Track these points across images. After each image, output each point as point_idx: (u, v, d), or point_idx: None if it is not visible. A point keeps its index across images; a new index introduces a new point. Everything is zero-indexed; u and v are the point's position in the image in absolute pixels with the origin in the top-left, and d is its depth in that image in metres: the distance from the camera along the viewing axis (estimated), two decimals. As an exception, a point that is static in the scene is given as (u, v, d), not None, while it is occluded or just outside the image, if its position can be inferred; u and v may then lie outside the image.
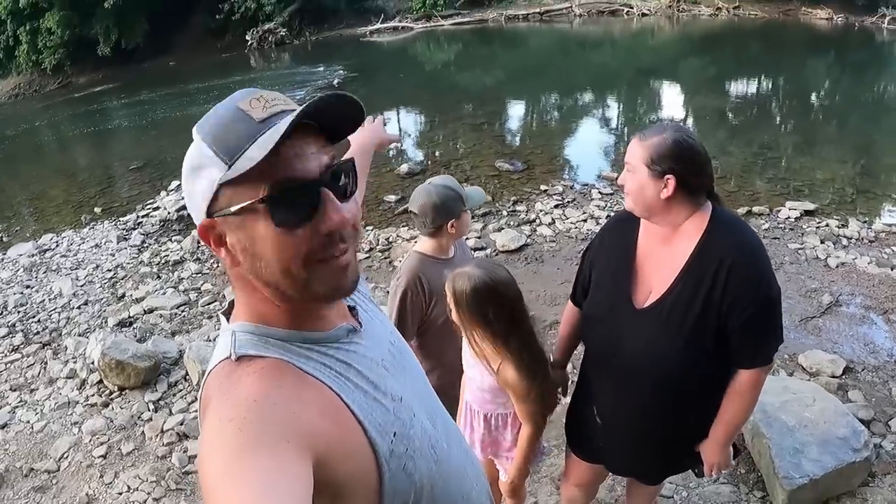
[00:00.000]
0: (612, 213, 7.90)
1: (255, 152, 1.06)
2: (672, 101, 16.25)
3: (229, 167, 1.09)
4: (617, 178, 2.39)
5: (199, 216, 1.16)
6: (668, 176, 2.15)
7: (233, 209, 1.11)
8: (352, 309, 1.40)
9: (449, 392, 3.11)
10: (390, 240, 8.27)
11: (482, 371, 2.66)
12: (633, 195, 2.24)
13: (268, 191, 1.08)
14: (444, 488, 1.39)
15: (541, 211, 8.69)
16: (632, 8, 29.43)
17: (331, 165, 1.15)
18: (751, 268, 2.16)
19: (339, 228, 1.14)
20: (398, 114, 16.99)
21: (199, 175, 1.14)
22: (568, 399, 2.93)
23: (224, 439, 1.01)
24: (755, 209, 8.08)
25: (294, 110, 1.12)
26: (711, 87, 16.87)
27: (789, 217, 7.79)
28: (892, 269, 6.41)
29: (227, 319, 1.29)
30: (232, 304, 1.31)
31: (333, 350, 1.25)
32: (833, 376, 4.72)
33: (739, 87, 16.81)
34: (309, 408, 1.12)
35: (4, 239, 11.31)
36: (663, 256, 2.28)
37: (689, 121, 14.18)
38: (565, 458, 3.05)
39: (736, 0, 27.18)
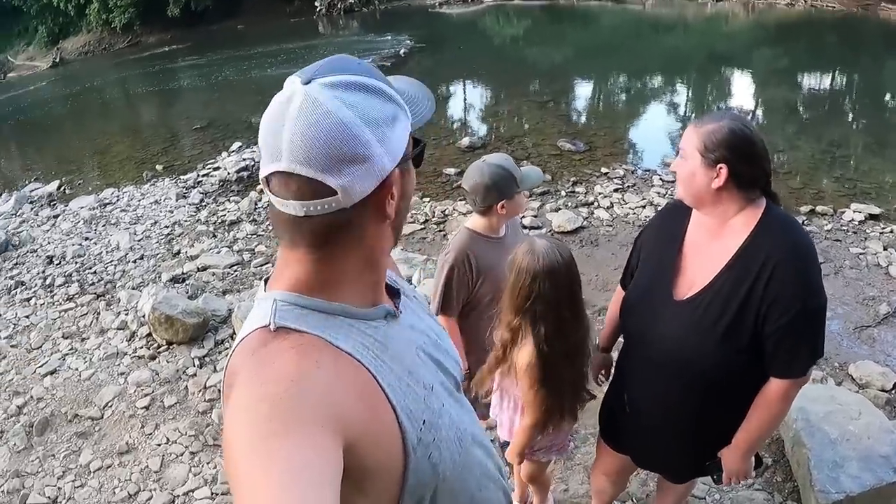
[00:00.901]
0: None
1: (427, 109, 1.25)
2: (742, 90, 15.85)
3: (414, 118, 1.20)
4: (671, 165, 2.24)
5: (391, 164, 1.14)
6: (720, 165, 2.05)
7: (407, 156, 1.18)
8: (395, 294, 1.39)
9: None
10: (446, 212, 8.22)
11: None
12: (683, 182, 2.16)
13: (414, 140, 1.22)
14: (464, 482, 1.38)
15: (600, 194, 8.55)
16: (708, -8, 28.82)
17: None
18: (797, 270, 2.03)
19: None
20: (464, 86, 16.89)
21: (396, 123, 1.14)
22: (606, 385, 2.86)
23: (256, 418, 0.98)
24: (818, 208, 7.78)
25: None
26: (783, 78, 16.41)
27: (853, 220, 7.46)
28: (957, 283, 6.11)
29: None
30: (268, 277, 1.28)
31: (372, 329, 1.22)
32: (883, 390, 4.53)
33: (812, 82, 16.34)
34: (346, 391, 1.09)
35: (68, 191, 11.57)
36: (710, 250, 2.19)
37: (759, 112, 13.82)
38: (596, 446, 2.96)
39: (815, -10, 26.47)
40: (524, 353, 2.50)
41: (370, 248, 1.20)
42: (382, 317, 1.26)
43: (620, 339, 2.76)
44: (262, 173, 1.11)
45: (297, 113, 1.06)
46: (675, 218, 2.35)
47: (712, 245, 2.18)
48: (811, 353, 2.11)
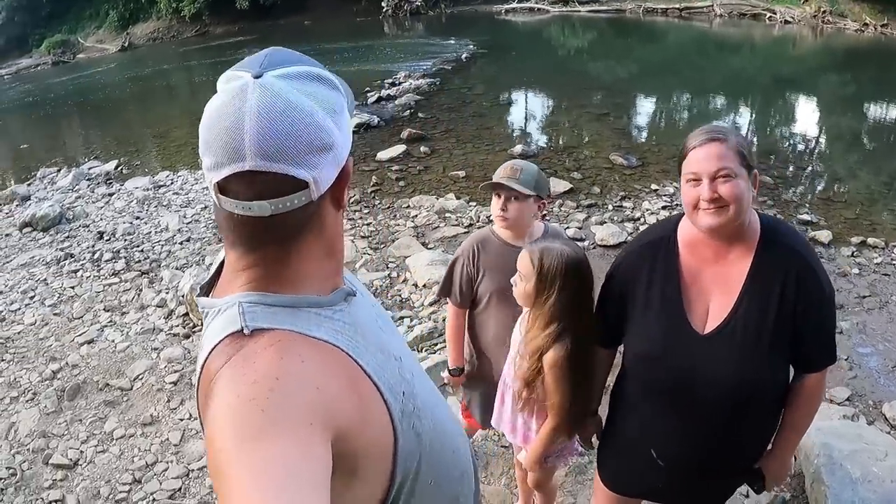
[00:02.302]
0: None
1: (350, 95, 1.22)
2: (805, 115, 15.54)
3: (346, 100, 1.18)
4: (710, 196, 1.97)
5: (348, 151, 1.17)
6: (755, 171, 2.03)
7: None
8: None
9: (487, 376, 3.12)
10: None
11: (519, 347, 2.61)
12: (738, 203, 1.97)
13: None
14: (441, 445, 1.37)
15: (647, 210, 8.43)
16: (775, 13, 28.27)
17: None
18: (816, 272, 2.05)
19: None
20: (524, 94, 16.86)
21: (344, 109, 1.16)
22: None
23: (244, 420, 0.95)
24: (870, 240, 7.54)
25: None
26: (848, 105, 16.06)
27: (904, 255, 7.29)
28: None
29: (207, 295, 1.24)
30: (211, 282, 1.27)
31: (339, 314, 1.20)
32: None
33: (878, 111, 15.94)
34: (332, 380, 1.07)
35: (124, 171, 11.82)
36: (715, 274, 2.13)
37: (821, 139, 13.57)
38: (596, 495, 2.84)
39: (885, 17, 25.92)
40: (553, 351, 2.48)
41: (330, 238, 1.20)
42: (343, 299, 1.24)
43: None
44: (215, 178, 1.06)
45: (258, 107, 1.03)
46: (657, 255, 2.24)
47: (716, 269, 2.13)
48: (835, 335, 2.16)
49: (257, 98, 1.03)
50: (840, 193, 9.47)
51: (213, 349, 1.09)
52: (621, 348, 2.48)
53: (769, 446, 2.37)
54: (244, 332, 1.06)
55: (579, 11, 31.20)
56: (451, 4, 33.78)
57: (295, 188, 1.05)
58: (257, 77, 1.05)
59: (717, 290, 2.13)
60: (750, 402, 2.14)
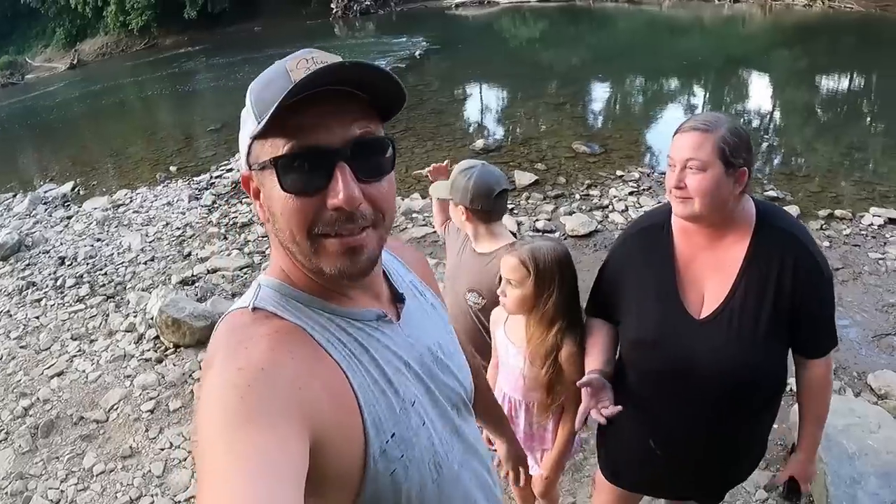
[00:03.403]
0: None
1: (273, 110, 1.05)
2: (759, 92, 15.68)
3: (258, 123, 1.07)
4: (675, 185, 2.01)
5: (242, 165, 1.17)
6: (742, 168, 1.98)
7: (256, 165, 1.11)
8: (400, 299, 1.35)
9: None
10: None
11: (527, 356, 2.55)
12: (705, 197, 1.97)
13: (282, 152, 1.06)
14: None
15: (615, 197, 8.42)
16: (724, -7, 28.66)
17: (359, 139, 1.09)
18: (814, 256, 2.04)
19: (344, 206, 1.06)
20: (480, 88, 16.85)
21: (243, 127, 1.15)
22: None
23: (225, 405, 0.96)
24: (837, 213, 7.63)
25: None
26: (801, 80, 16.25)
27: (872, 224, 7.28)
28: (977, 292, 5.97)
29: None
30: None
31: (354, 329, 1.20)
32: None
33: (831, 83, 16.16)
34: (317, 382, 1.07)
35: (82, 192, 11.63)
36: (710, 260, 2.11)
37: (776, 114, 13.71)
38: (597, 489, 2.82)
39: (833, -9, 26.25)
40: (567, 347, 2.48)
41: (277, 227, 1.14)
42: (372, 319, 1.23)
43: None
44: None
45: None
46: (651, 241, 2.22)
47: (711, 254, 2.11)
48: (834, 318, 2.16)
49: None
50: (802, 167, 9.58)
51: (224, 318, 1.17)
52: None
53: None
54: (248, 308, 1.14)
55: (529, 2, 31.32)
56: (400, 2, 33.76)
57: None
58: None
59: (712, 276, 2.11)
60: (747, 387, 2.12)
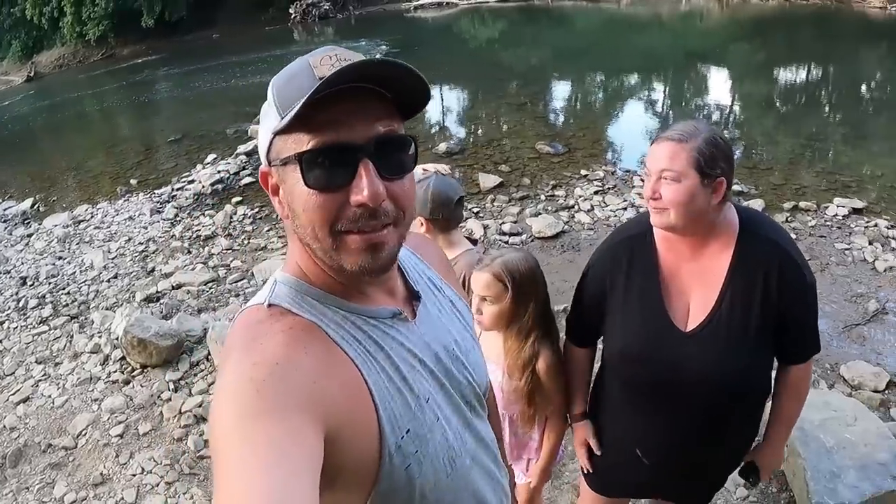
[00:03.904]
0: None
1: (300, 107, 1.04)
2: (719, 86, 15.85)
3: (281, 118, 1.07)
4: (650, 195, 2.00)
5: (262, 161, 1.17)
6: (720, 178, 1.96)
7: (278, 160, 1.11)
8: (416, 297, 1.36)
9: None
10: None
11: (505, 369, 2.53)
12: (680, 207, 1.95)
13: (306, 148, 1.06)
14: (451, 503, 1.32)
15: (580, 197, 8.45)
16: (682, -11, 28.87)
17: (382, 137, 1.09)
18: (798, 263, 2.04)
19: (368, 203, 1.06)
20: (440, 90, 16.85)
21: (264, 122, 1.14)
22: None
23: (241, 399, 0.98)
24: (801, 204, 7.73)
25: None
26: (760, 73, 16.44)
27: (837, 214, 7.40)
28: (943, 278, 6.07)
29: None
30: None
31: (369, 327, 1.21)
32: (875, 391, 4.47)
33: (789, 76, 16.38)
34: (332, 379, 1.09)
35: (41, 209, 11.41)
36: (695, 270, 2.10)
37: (736, 108, 13.85)
38: (582, 497, 2.82)
39: (788, -16, 26.55)
40: (543, 357, 2.47)
41: (297, 222, 1.14)
42: (387, 317, 1.25)
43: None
44: None
45: None
46: (634, 252, 2.20)
47: (695, 264, 2.10)
48: (817, 324, 2.19)
49: None
50: (764, 160, 9.69)
51: (240, 313, 1.18)
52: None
53: (760, 437, 2.41)
54: (264, 304, 1.15)
55: (488, 2, 31.30)
56: (358, 6, 33.61)
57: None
58: None
59: (697, 286, 2.11)
60: (736, 397, 2.13)
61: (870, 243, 6.66)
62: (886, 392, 4.48)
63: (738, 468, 2.47)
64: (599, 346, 2.47)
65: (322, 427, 1.00)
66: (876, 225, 7.10)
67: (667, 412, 2.21)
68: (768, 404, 2.33)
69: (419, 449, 1.21)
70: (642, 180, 8.61)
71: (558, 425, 2.62)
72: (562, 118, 13.51)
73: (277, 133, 1.08)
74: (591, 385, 2.58)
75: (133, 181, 11.47)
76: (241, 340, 1.10)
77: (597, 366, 2.56)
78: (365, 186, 1.05)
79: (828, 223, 7.24)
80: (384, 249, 1.13)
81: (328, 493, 1.03)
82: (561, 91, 16.16)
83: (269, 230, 8.47)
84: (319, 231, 1.10)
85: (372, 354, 1.18)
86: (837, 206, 7.54)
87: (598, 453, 2.61)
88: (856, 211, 7.46)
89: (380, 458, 1.14)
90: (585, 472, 2.66)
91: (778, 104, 13.83)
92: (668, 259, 2.14)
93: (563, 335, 2.57)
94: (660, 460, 2.33)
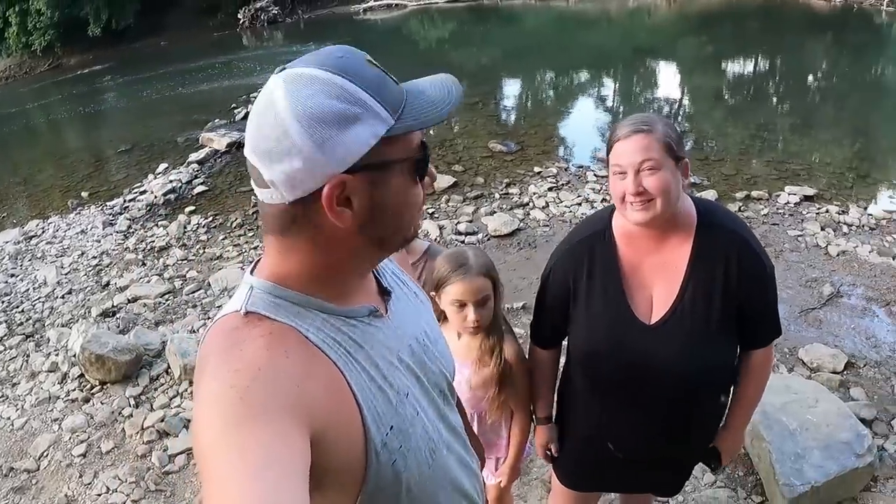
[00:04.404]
0: (608, 200, 7.78)
1: (428, 114, 1.14)
2: (668, 80, 16.04)
3: (396, 121, 1.10)
4: (636, 190, 1.97)
5: (334, 169, 1.07)
6: (685, 160, 2.04)
7: (376, 163, 1.11)
8: (387, 293, 1.39)
9: None
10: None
11: (472, 366, 2.57)
12: (665, 195, 1.97)
13: (418, 148, 1.18)
14: (433, 496, 1.35)
15: (534, 194, 8.53)
16: (630, -16, 29.06)
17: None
18: (755, 252, 2.09)
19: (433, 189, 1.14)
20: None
21: (352, 125, 1.07)
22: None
23: (224, 406, 0.98)
24: (754, 193, 7.91)
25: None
26: (708, 67, 16.69)
27: (788, 202, 7.60)
28: (893, 259, 6.24)
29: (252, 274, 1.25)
30: (259, 260, 1.27)
31: (348, 327, 1.22)
32: (834, 372, 4.61)
33: (737, 68, 16.63)
34: (314, 382, 1.09)
35: (-9, 225, 11.17)
36: (656, 263, 2.14)
37: (685, 101, 14.05)
38: (554, 493, 2.87)
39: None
40: (508, 344, 2.53)
41: (333, 251, 1.17)
42: (364, 315, 1.26)
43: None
44: None
45: (258, 101, 1.10)
46: (594, 252, 2.22)
47: (655, 258, 2.14)
48: (777, 309, 2.22)
49: (262, 92, 1.10)
50: (715, 152, 9.86)
51: (215, 323, 1.17)
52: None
53: (722, 422, 2.43)
54: (240, 312, 1.13)
55: (437, 3, 31.22)
56: (307, 10, 33.41)
57: (266, 184, 1.09)
58: (278, 73, 1.10)
59: (659, 280, 2.14)
60: (703, 385, 2.19)
61: (822, 229, 6.87)
62: (845, 373, 4.61)
63: (703, 454, 2.51)
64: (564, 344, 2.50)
65: (308, 430, 1.01)
66: (827, 211, 7.32)
67: (636, 405, 2.25)
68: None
69: (403, 444, 1.23)
70: (596, 176, 8.75)
71: (524, 421, 2.67)
72: (514, 116, 13.59)
73: (392, 135, 1.11)
74: (558, 386, 2.61)
75: (84, 194, 11.31)
76: (218, 348, 1.09)
77: (564, 366, 2.59)
78: (435, 174, 1.21)
79: (780, 211, 7.42)
80: None
81: (318, 495, 1.04)
82: (512, 89, 16.23)
83: (223, 239, 8.42)
84: (416, 215, 1.26)
85: (352, 355, 1.19)
86: (789, 195, 7.73)
87: (556, 455, 2.67)
88: (807, 198, 7.66)
89: (366, 457, 1.15)
90: (557, 468, 2.71)
91: (727, 97, 14.04)
92: (628, 254, 2.17)
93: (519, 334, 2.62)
94: (632, 452, 2.37)
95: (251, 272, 1.23)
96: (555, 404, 2.66)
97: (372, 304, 1.29)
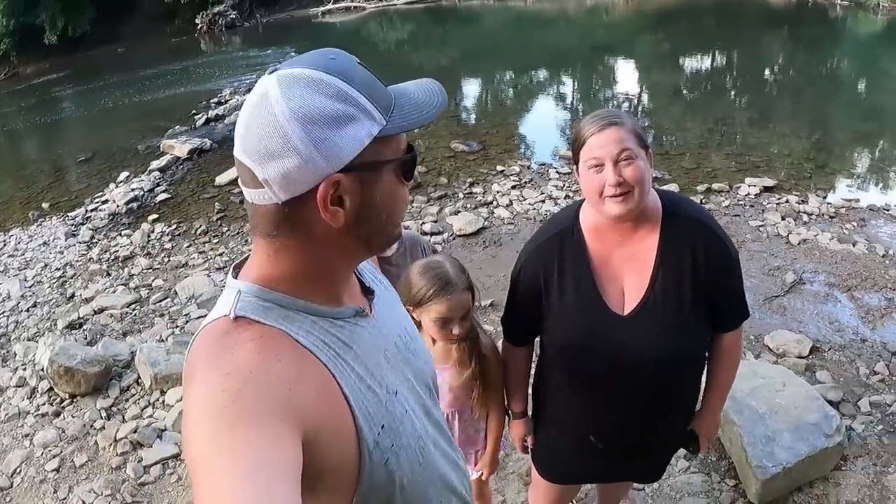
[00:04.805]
0: (571, 197, 7.86)
1: (416, 115, 1.17)
2: (627, 77, 16.25)
3: (387, 122, 1.13)
4: (616, 181, 1.98)
5: (329, 168, 1.08)
6: (650, 150, 2.09)
7: (366, 163, 1.12)
8: (370, 293, 1.40)
9: None
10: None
11: (451, 369, 2.60)
12: (643, 184, 2.01)
13: (405, 150, 1.20)
14: (424, 492, 1.36)
15: (498, 192, 8.62)
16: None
17: None
18: (721, 238, 2.14)
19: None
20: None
21: (347, 125, 1.09)
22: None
23: (215, 410, 0.97)
24: (714, 186, 8.08)
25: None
26: (666, 63, 16.91)
27: (749, 193, 7.78)
28: (853, 246, 6.43)
29: (235, 276, 1.25)
30: (241, 263, 1.27)
31: (336, 329, 1.22)
32: (800, 357, 4.74)
33: (694, 64, 16.87)
34: (305, 385, 1.09)
35: (-50, 241, 11.00)
36: (625, 255, 2.17)
37: (644, 97, 14.20)
38: (535, 486, 2.92)
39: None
40: (481, 335, 2.58)
41: (323, 251, 1.18)
42: (351, 316, 1.26)
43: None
44: None
45: (248, 102, 1.10)
46: (563, 249, 2.24)
47: (625, 250, 2.17)
48: (744, 292, 2.27)
49: (253, 93, 1.11)
50: (676, 146, 10.00)
51: (203, 329, 1.16)
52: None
53: (698, 406, 2.50)
54: (229, 316, 1.12)
55: (395, 4, 31.19)
56: (265, 13, 33.18)
57: (258, 184, 1.09)
58: (271, 74, 1.10)
59: (629, 271, 2.17)
60: (679, 372, 2.24)
61: (782, 219, 7.05)
62: (811, 357, 4.75)
63: (681, 438, 2.57)
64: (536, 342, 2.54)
65: (300, 433, 1.01)
66: (787, 201, 7.51)
67: (615, 395, 2.28)
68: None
69: (394, 442, 1.24)
70: (559, 173, 8.82)
71: (500, 412, 2.72)
72: (474, 116, 13.68)
73: (382, 136, 1.13)
74: (533, 382, 2.66)
75: (45, 205, 11.16)
76: (208, 354, 1.09)
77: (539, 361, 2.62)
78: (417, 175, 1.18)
79: (741, 202, 7.58)
80: None
81: (313, 497, 1.05)
82: (472, 90, 16.33)
83: (188, 246, 8.39)
84: (402, 216, 1.28)
85: (341, 356, 1.19)
86: (749, 186, 7.92)
87: (533, 448, 2.73)
88: (767, 189, 7.84)
89: (359, 457, 1.16)
90: (538, 462, 2.75)
91: (685, 92, 14.24)
92: (597, 249, 2.19)
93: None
94: (613, 442, 2.42)
95: (235, 276, 1.23)
96: (530, 399, 2.71)
97: (357, 305, 1.30)
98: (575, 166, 2.14)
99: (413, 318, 2.41)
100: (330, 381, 1.15)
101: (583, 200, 2.22)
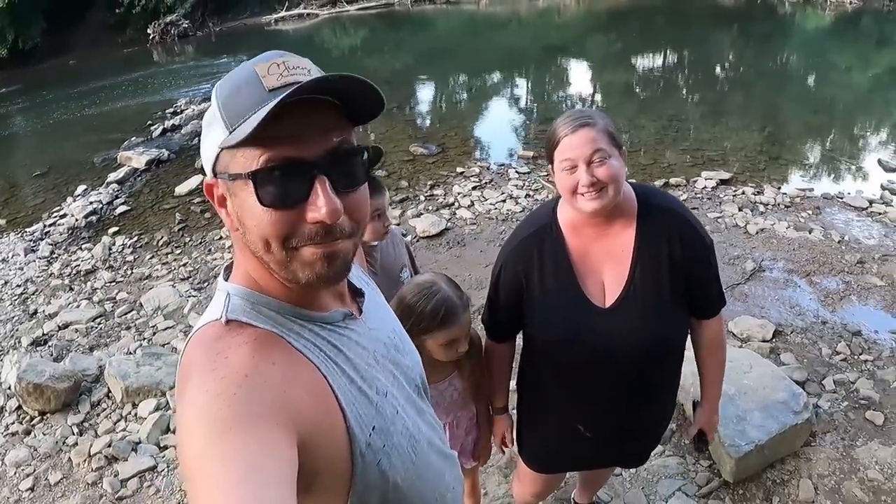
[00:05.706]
0: (531, 196, 7.93)
1: (251, 123, 1.00)
2: (580, 76, 16.40)
3: (230, 132, 1.05)
4: (590, 181, 2.02)
5: (207, 172, 1.15)
6: (623, 148, 2.13)
7: (226, 174, 1.08)
8: (359, 294, 1.41)
9: None
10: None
11: (458, 375, 2.68)
12: (616, 182, 2.05)
13: (259, 165, 1.03)
14: (419, 490, 1.37)
15: (459, 193, 8.69)
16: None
17: (337, 149, 1.08)
18: (695, 227, 2.20)
19: (326, 221, 1.06)
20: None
21: (209, 132, 1.11)
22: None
23: (210, 414, 0.97)
24: (672, 181, 8.26)
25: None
26: (619, 62, 17.12)
27: (706, 187, 7.98)
28: (809, 233, 6.65)
29: (226, 278, 1.26)
30: (232, 264, 1.28)
31: (326, 332, 1.23)
32: (764, 340, 4.89)
33: (647, 62, 17.09)
34: (299, 387, 1.10)
35: None
36: (603, 249, 2.22)
37: (598, 96, 14.36)
38: (520, 474, 2.99)
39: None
40: (476, 335, 2.64)
41: (250, 237, 1.13)
42: (340, 319, 1.27)
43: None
44: None
45: None
46: (542, 246, 2.29)
47: (603, 244, 2.22)
48: (720, 279, 2.34)
49: None
50: (631, 143, 10.11)
51: (195, 332, 1.16)
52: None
53: (697, 398, 2.61)
54: (221, 320, 1.13)
55: (348, 11, 31.06)
56: (218, 22, 32.87)
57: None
58: None
59: (608, 264, 2.23)
60: (661, 358, 2.30)
61: (739, 210, 7.27)
62: (774, 340, 4.92)
63: (691, 442, 2.72)
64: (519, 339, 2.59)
65: (295, 435, 1.01)
66: (743, 193, 7.74)
67: (602, 385, 2.34)
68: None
69: (386, 443, 1.24)
70: (518, 173, 8.90)
71: (484, 405, 2.81)
72: (431, 119, 13.72)
73: (225, 148, 1.06)
74: (518, 378, 2.71)
75: (1, 221, 11.00)
76: (202, 358, 1.08)
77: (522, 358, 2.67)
78: (323, 205, 1.04)
79: (698, 195, 7.75)
80: (338, 259, 1.13)
81: (309, 499, 1.07)
82: (428, 93, 16.36)
83: (151, 258, 8.31)
84: (273, 245, 1.09)
85: (332, 359, 1.19)
86: (706, 179, 8.13)
87: (512, 444, 2.81)
88: (723, 182, 8.05)
89: (352, 459, 1.16)
90: (526, 455, 2.81)
91: (639, 90, 14.41)
92: (575, 244, 2.25)
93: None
94: (601, 431, 2.48)
95: (226, 277, 1.24)
96: (511, 394, 2.78)
97: (346, 308, 1.31)
98: (550, 165, 2.18)
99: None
100: (322, 384, 1.15)
101: (559, 197, 2.26)
